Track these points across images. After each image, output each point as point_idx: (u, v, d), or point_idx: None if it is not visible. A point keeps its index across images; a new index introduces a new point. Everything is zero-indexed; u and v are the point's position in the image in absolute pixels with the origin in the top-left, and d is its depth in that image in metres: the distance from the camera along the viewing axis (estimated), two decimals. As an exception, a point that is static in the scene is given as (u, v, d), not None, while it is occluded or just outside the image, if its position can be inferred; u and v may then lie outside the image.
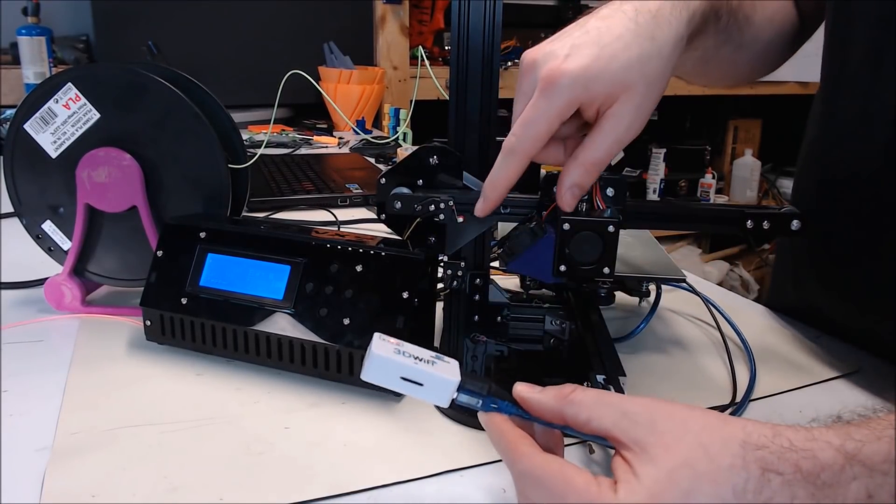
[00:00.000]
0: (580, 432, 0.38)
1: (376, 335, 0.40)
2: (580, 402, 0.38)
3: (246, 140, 1.42)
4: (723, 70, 0.69)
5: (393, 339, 0.40)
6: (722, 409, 0.55)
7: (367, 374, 0.39)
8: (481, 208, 0.50)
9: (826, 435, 0.34)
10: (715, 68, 0.67)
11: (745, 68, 0.71)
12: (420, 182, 0.57)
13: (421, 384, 0.39)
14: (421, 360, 0.39)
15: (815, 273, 0.71)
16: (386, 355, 0.39)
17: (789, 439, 0.34)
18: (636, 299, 0.72)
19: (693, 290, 0.70)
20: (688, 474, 0.33)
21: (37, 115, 0.66)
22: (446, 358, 0.41)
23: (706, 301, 0.70)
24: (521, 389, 0.40)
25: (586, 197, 0.51)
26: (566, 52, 0.45)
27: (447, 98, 0.56)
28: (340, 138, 1.73)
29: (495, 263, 0.70)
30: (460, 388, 0.39)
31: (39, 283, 0.72)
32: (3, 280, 0.75)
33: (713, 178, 2.80)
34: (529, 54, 0.47)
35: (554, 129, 0.46)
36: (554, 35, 0.48)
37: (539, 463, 0.36)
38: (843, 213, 0.64)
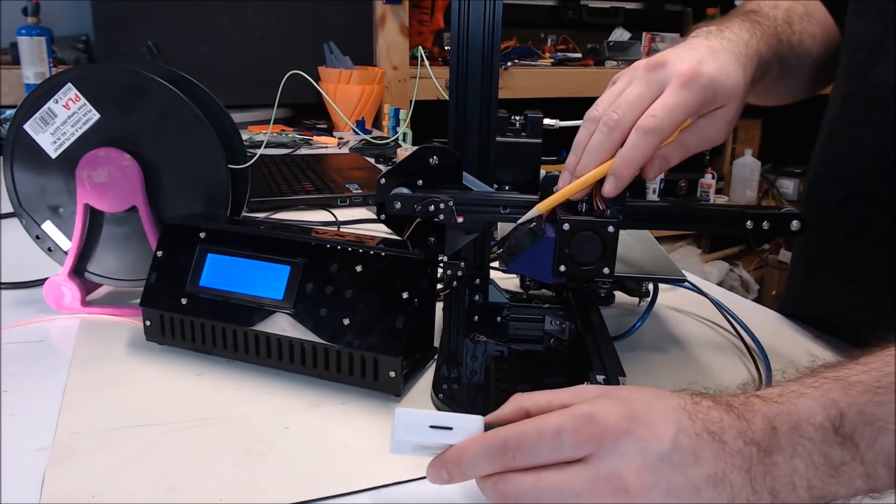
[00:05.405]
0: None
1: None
2: (534, 403, 0.41)
3: (246, 140, 1.42)
4: (778, 95, 0.74)
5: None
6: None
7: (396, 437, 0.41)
8: (612, 188, 0.49)
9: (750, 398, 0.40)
10: (771, 95, 0.73)
11: (799, 90, 0.75)
12: (420, 182, 0.57)
13: (451, 428, 0.41)
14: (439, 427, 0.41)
15: (830, 281, 0.70)
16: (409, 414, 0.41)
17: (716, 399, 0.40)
18: (636, 299, 0.71)
19: (700, 291, 0.70)
20: (642, 394, 0.40)
21: (37, 115, 0.66)
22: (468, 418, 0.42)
23: (716, 303, 0.69)
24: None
25: (587, 198, 0.51)
26: (699, 59, 0.50)
27: (447, 98, 0.56)
28: (340, 138, 1.73)
29: (495, 263, 0.70)
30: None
31: (39, 283, 0.72)
32: (3, 280, 0.75)
33: (713, 178, 2.80)
34: (658, 56, 0.52)
35: (685, 119, 0.50)
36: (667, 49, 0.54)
37: (516, 432, 0.39)
38: (865, 223, 0.64)
